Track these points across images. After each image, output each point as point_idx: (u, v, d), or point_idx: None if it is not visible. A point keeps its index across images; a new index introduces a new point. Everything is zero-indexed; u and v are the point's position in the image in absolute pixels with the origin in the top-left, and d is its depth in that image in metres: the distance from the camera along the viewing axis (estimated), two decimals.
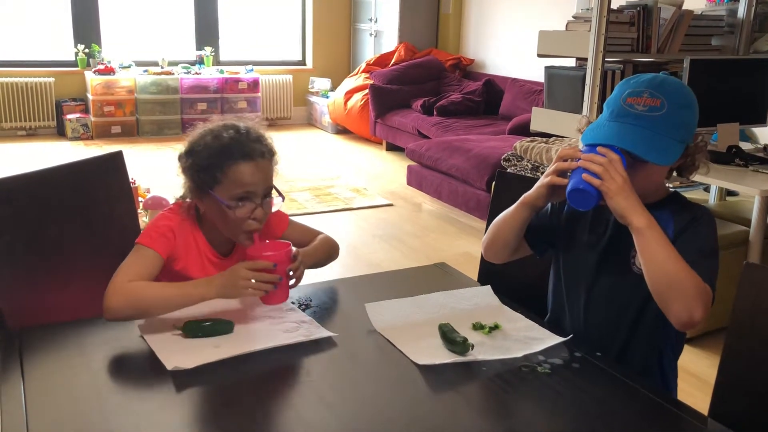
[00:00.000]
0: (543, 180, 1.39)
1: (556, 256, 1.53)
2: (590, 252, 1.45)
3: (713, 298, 1.27)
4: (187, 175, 1.54)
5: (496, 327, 1.43)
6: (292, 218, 1.76)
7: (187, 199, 1.58)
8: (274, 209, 1.59)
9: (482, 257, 1.92)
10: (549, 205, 1.50)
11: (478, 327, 1.42)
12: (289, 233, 1.71)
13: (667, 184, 1.42)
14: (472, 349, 1.32)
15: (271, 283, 1.40)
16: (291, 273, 1.46)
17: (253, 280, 1.40)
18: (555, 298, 1.54)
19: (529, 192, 1.42)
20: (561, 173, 1.34)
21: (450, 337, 1.34)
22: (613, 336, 1.42)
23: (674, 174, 1.43)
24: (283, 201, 1.60)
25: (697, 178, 2.89)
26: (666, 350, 1.44)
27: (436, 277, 1.78)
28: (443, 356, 1.31)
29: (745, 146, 3.23)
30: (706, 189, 4.21)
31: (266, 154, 1.55)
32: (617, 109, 1.33)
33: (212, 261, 1.59)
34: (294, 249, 1.49)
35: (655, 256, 1.25)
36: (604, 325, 1.43)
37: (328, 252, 1.69)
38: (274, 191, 1.57)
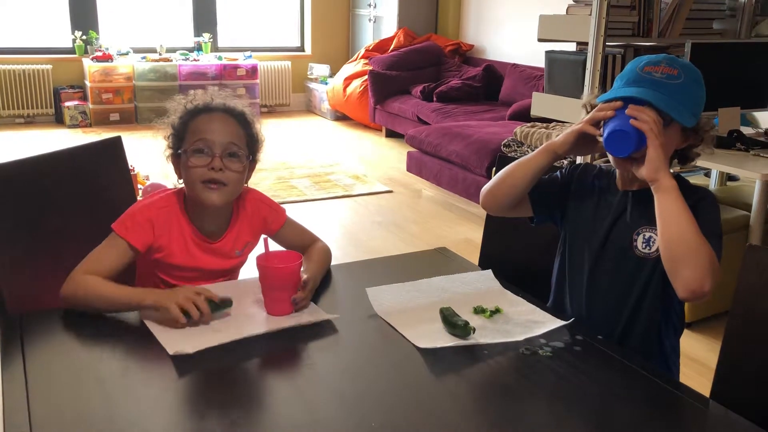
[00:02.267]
0: (574, 127, 1.39)
1: (562, 237, 1.53)
2: (593, 234, 1.45)
3: (720, 255, 1.28)
4: (167, 144, 1.57)
5: (497, 311, 1.43)
6: (292, 218, 1.74)
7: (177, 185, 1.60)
8: (241, 166, 1.54)
9: (483, 242, 1.92)
10: (558, 174, 1.50)
11: (479, 311, 1.42)
12: (285, 231, 1.69)
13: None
14: (474, 332, 1.32)
15: (202, 318, 1.34)
16: (297, 300, 1.41)
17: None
18: (558, 281, 1.54)
19: (555, 139, 1.42)
20: (594, 123, 1.34)
21: (451, 321, 1.34)
22: (615, 319, 1.43)
23: (675, 161, 1.43)
24: (249, 160, 1.56)
25: (698, 162, 2.90)
26: (667, 332, 1.44)
27: (437, 262, 1.78)
28: (444, 340, 1.31)
29: (746, 130, 3.22)
30: (707, 174, 4.20)
31: (231, 112, 1.56)
32: (634, 76, 1.33)
33: (199, 245, 1.57)
34: (305, 276, 1.46)
35: (677, 218, 1.26)
36: (606, 309, 1.43)
37: (328, 265, 1.67)
38: (241, 154, 1.53)
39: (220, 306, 1.37)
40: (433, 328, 1.36)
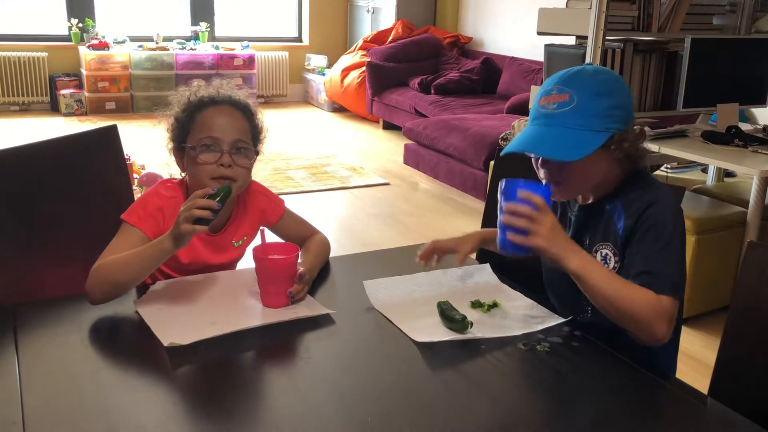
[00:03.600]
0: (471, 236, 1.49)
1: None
2: None
3: (681, 296, 1.25)
4: (169, 135, 1.55)
5: (494, 305, 1.42)
6: (291, 209, 1.73)
7: (179, 176, 1.57)
8: (249, 161, 1.54)
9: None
10: None
11: (476, 305, 1.42)
12: (284, 222, 1.68)
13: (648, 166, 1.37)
14: (471, 326, 1.31)
15: (209, 209, 1.31)
16: (293, 293, 1.40)
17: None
18: (547, 289, 1.52)
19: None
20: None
21: (448, 315, 1.33)
22: (604, 323, 1.40)
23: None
24: (256, 155, 1.56)
25: (695, 158, 2.89)
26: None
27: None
28: (442, 334, 1.30)
29: (745, 126, 3.22)
30: (705, 170, 4.20)
31: (237, 105, 1.54)
32: (533, 111, 1.32)
33: (201, 238, 1.56)
34: (302, 269, 1.44)
35: (600, 294, 1.23)
36: (598, 321, 1.40)
37: (326, 258, 1.65)
38: (245, 147, 1.53)
39: (217, 194, 1.33)
40: (430, 322, 1.35)
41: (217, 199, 1.33)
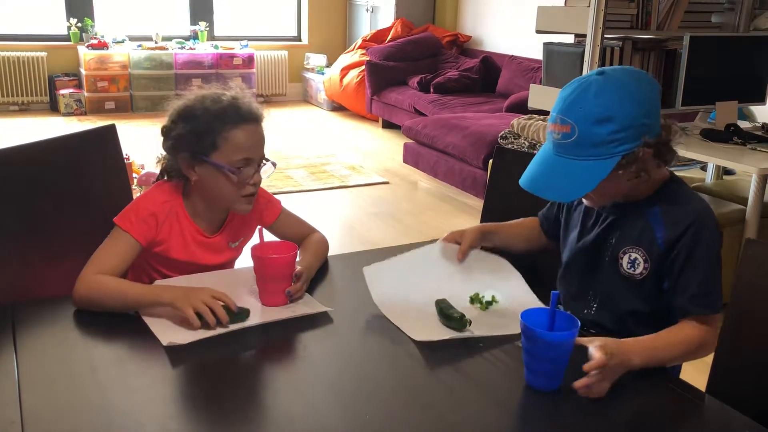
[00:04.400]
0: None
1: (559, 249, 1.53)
2: (580, 249, 1.43)
3: (722, 307, 1.29)
4: (180, 144, 1.49)
5: (493, 301, 1.42)
6: (287, 208, 1.73)
7: (171, 179, 1.56)
8: (266, 176, 1.56)
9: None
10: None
11: (475, 300, 1.41)
12: (281, 222, 1.68)
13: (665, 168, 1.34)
14: (470, 325, 1.31)
15: (220, 317, 1.30)
16: (291, 292, 1.41)
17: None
18: (559, 282, 1.52)
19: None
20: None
21: (447, 313, 1.34)
22: (605, 322, 1.40)
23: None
24: (275, 168, 1.57)
25: (694, 156, 2.89)
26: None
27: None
28: (440, 333, 1.30)
29: (743, 124, 3.22)
30: (703, 167, 4.20)
31: (260, 119, 1.54)
32: (548, 134, 1.30)
33: (198, 240, 1.56)
34: (299, 267, 1.45)
35: (667, 363, 1.27)
36: (600, 321, 1.40)
37: (324, 256, 1.65)
38: (267, 160, 1.55)
39: (237, 316, 1.32)
40: (429, 321, 1.35)
41: (231, 321, 1.31)
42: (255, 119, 1.51)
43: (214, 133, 1.46)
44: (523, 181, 1.30)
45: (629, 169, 1.25)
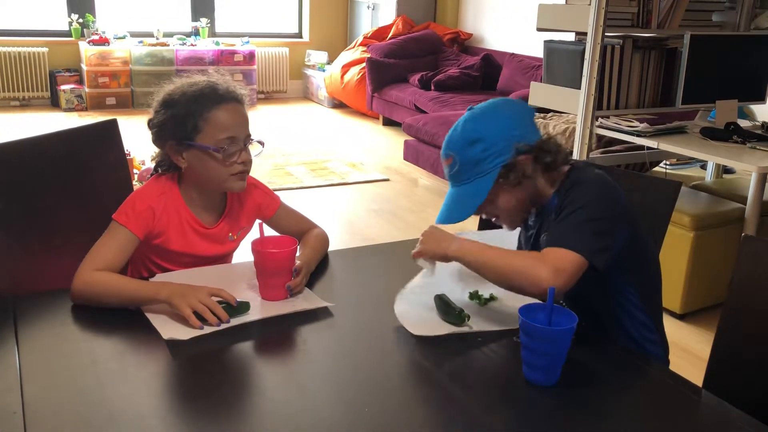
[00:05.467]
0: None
1: None
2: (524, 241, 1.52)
3: (586, 256, 1.26)
4: (164, 132, 1.51)
5: (492, 298, 1.43)
6: (287, 204, 1.73)
7: (166, 172, 1.57)
8: (255, 154, 1.56)
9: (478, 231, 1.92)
10: None
11: (474, 297, 1.42)
12: (280, 217, 1.69)
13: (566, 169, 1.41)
14: (468, 320, 1.32)
15: (219, 316, 1.31)
16: (291, 287, 1.42)
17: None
18: None
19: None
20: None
21: (446, 309, 1.34)
22: (594, 321, 1.40)
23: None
24: (263, 147, 1.58)
25: (694, 154, 2.89)
26: (633, 323, 1.43)
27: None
28: (439, 328, 1.31)
29: (743, 123, 3.22)
30: (703, 166, 4.21)
31: (240, 99, 1.55)
32: (445, 173, 1.44)
33: (197, 231, 1.57)
34: (299, 262, 1.46)
35: (484, 268, 1.32)
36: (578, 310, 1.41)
37: (324, 251, 1.66)
38: (254, 140, 1.56)
39: (237, 310, 1.33)
40: (428, 315, 1.36)
41: (231, 316, 1.32)
42: (234, 99, 1.53)
43: (195, 116, 1.48)
44: (437, 219, 1.42)
45: (511, 178, 1.36)
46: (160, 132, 1.52)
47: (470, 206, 1.38)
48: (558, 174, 1.40)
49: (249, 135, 1.54)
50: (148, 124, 1.55)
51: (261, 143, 1.58)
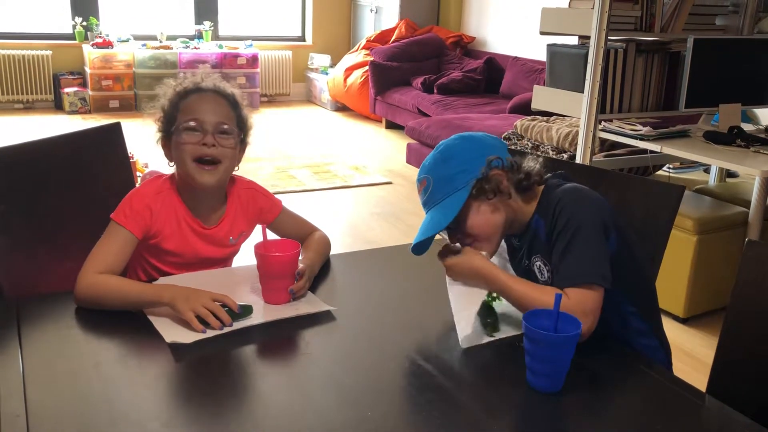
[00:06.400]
0: None
1: None
2: (514, 267, 1.49)
3: (596, 282, 1.25)
4: (160, 129, 1.56)
5: (496, 297, 1.41)
6: (289, 208, 1.74)
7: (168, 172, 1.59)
8: (228, 144, 1.53)
9: None
10: None
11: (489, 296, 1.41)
12: (281, 221, 1.69)
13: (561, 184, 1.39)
14: (495, 331, 1.32)
15: (222, 320, 1.30)
16: (294, 290, 1.42)
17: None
18: None
19: None
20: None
21: (483, 317, 1.35)
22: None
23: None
24: (246, 142, 1.59)
25: (697, 158, 2.89)
26: (629, 334, 1.42)
27: (434, 253, 1.77)
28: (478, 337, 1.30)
29: (747, 127, 3.22)
30: (707, 170, 4.20)
31: (221, 93, 1.56)
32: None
33: (196, 231, 1.57)
34: (302, 265, 1.46)
35: (511, 298, 1.29)
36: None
37: (327, 254, 1.66)
38: (232, 133, 1.54)
39: (240, 314, 1.33)
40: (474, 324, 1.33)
41: (234, 320, 1.31)
42: (213, 90, 1.55)
43: (175, 108, 1.53)
44: (416, 239, 1.38)
45: (487, 191, 1.33)
46: (158, 130, 1.58)
47: (443, 221, 1.33)
48: (533, 193, 1.39)
49: (223, 123, 1.52)
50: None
51: (242, 140, 1.57)
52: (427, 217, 1.38)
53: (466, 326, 1.29)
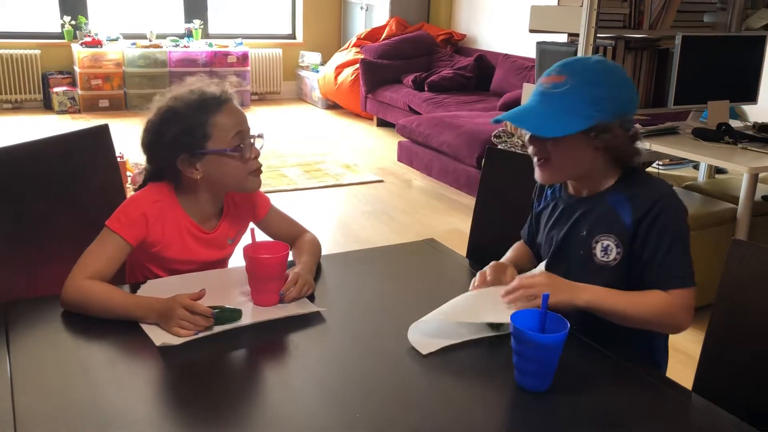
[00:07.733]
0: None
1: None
2: (554, 248, 1.46)
3: (693, 284, 1.32)
4: (176, 147, 1.48)
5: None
6: (284, 200, 1.75)
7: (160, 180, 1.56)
8: (259, 147, 1.56)
9: (471, 233, 1.92)
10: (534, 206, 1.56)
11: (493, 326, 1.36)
12: (271, 218, 1.69)
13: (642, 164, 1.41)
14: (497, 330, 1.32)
15: (203, 325, 1.30)
16: (292, 295, 1.41)
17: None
18: None
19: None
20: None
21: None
22: (597, 322, 1.40)
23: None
24: (264, 139, 1.58)
25: (686, 155, 2.90)
26: (655, 333, 1.43)
27: (425, 253, 1.78)
28: (445, 340, 1.29)
29: (735, 124, 3.23)
30: (696, 166, 4.22)
31: (232, 98, 1.56)
32: (534, 90, 1.37)
33: (197, 237, 1.56)
34: (296, 270, 1.46)
35: (618, 315, 1.31)
36: (585, 318, 1.36)
37: (319, 257, 1.65)
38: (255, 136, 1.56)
39: (228, 318, 1.32)
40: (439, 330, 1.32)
41: (223, 323, 1.31)
42: (229, 99, 1.54)
43: (203, 123, 1.49)
44: (504, 117, 1.34)
45: (598, 139, 1.31)
46: (171, 148, 1.49)
47: (553, 130, 1.28)
48: (620, 168, 1.37)
49: (250, 130, 1.55)
50: (148, 144, 1.53)
51: (260, 136, 1.58)
52: (536, 106, 1.32)
53: (426, 330, 1.29)
